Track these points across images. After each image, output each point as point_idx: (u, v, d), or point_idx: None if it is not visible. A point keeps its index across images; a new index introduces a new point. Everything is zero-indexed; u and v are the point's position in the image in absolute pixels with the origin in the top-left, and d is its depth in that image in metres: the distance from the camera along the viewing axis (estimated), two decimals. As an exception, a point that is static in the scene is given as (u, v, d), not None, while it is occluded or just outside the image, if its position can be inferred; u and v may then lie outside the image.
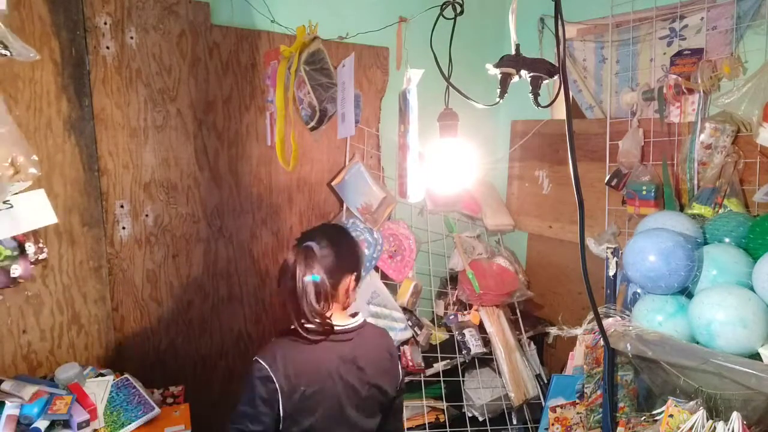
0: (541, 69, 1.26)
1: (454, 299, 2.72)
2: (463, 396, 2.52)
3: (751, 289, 1.54)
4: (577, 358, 2.01)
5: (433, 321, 2.67)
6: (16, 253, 1.59)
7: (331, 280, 1.32)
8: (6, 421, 1.44)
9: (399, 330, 2.34)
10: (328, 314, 1.33)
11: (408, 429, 2.35)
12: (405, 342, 2.39)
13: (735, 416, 1.40)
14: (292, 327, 1.31)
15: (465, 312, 2.65)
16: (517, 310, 2.71)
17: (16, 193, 1.58)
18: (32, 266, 1.67)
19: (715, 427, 1.42)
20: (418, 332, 2.42)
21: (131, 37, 1.88)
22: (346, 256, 1.37)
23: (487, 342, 2.53)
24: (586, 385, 1.88)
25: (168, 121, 1.99)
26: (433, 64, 1.46)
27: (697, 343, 1.57)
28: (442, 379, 2.42)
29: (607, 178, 2.32)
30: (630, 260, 1.75)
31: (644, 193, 2.13)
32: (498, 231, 2.94)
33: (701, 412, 1.46)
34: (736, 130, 1.91)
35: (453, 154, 1.57)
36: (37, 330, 1.80)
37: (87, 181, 1.84)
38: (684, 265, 1.63)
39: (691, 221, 1.81)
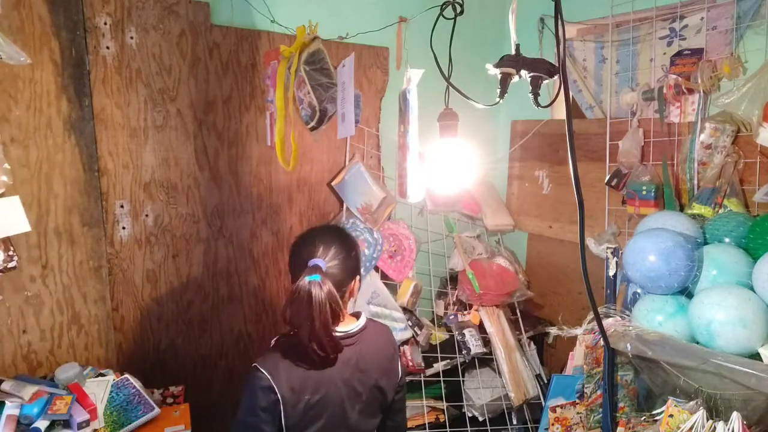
0: (541, 69, 1.26)
1: (454, 299, 2.72)
2: (463, 396, 2.52)
3: (751, 289, 1.54)
4: (577, 358, 2.01)
5: (433, 321, 2.67)
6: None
7: (339, 291, 1.25)
8: (6, 421, 1.44)
9: (399, 330, 2.34)
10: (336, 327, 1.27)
11: (408, 429, 2.35)
12: (405, 342, 2.39)
13: (735, 416, 1.40)
14: (293, 333, 1.29)
15: (465, 312, 2.65)
16: (517, 310, 2.71)
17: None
18: (0, 275, 1.64)
19: (715, 427, 1.42)
20: (418, 332, 2.42)
21: (131, 37, 1.88)
22: (351, 262, 1.31)
23: (487, 342, 2.53)
24: (586, 385, 1.88)
25: (168, 121, 1.99)
26: (433, 64, 1.46)
27: (697, 343, 1.57)
28: (442, 379, 2.42)
29: (607, 178, 2.32)
30: (630, 260, 1.75)
31: (644, 193, 2.13)
32: (498, 231, 2.94)
33: (701, 412, 1.46)
34: (736, 130, 1.91)
35: (453, 154, 1.57)
36: (37, 330, 1.80)
37: (87, 181, 1.84)
38: (684, 265, 1.63)
39: (691, 221, 1.81)
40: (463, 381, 2.50)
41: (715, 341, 1.50)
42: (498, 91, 1.30)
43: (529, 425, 2.55)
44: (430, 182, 1.66)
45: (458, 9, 1.46)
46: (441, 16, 1.48)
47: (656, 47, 2.21)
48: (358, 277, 1.36)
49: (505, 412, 2.53)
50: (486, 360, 2.56)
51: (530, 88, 1.28)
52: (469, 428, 2.44)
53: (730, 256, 1.63)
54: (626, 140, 2.23)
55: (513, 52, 1.28)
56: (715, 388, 1.49)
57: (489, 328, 2.55)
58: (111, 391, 1.69)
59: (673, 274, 1.64)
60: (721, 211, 1.87)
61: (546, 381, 2.60)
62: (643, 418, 1.69)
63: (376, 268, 2.44)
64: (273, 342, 1.33)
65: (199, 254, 2.12)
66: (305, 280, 1.18)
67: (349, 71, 1.65)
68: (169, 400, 1.84)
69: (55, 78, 1.74)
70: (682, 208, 2.06)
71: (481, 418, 2.46)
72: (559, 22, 1.12)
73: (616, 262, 1.96)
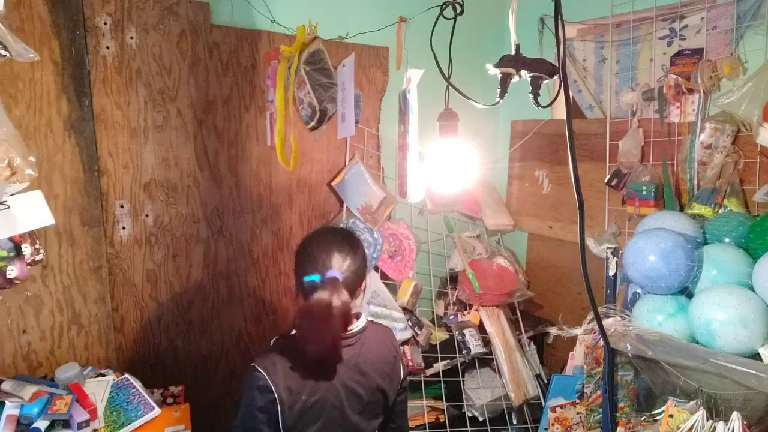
0: (541, 69, 1.26)
1: (454, 299, 2.72)
2: (463, 396, 2.52)
3: (752, 289, 1.54)
4: (577, 358, 2.01)
5: (433, 321, 2.67)
6: (12, 254, 1.59)
7: (351, 297, 1.24)
8: (6, 421, 1.44)
9: (399, 330, 2.34)
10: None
11: (408, 429, 2.35)
12: (405, 342, 2.39)
13: (735, 416, 1.40)
14: (293, 333, 1.28)
15: (465, 312, 2.65)
16: (517, 310, 2.71)
17: (13, 194, 1.57)
18: (29, 267, 1.66)
19: (715, 427, 1.42)
20: (418, 332, 2.42)
21: (131, 37, 1.88)
22: (362, 267, 1.31)
23: (487, 342, 2.53)
24: (586, 385, 1.88)
25: (168, 121, 1.99)
26: (433, 64, 1.46)
27: (697, 343, 1.57)
28: (442, 379, 2.42)
29: (607, 178, 2.32)
30: (630, 260, 1.75)
31: (644, 193, 2.13)
32: (498, 231, 2.94)
33: (701, 412, 1.46)
34: (736, 130, 1.91)
35: (453, 154, 1.57)
36: (37, 330, 1.80)
37: (87, 181, 1.84)
38: (684, 265, 1.63)
39: (691, 221, 1.81)
40: (463, 381, 2.50)
41: (715, 341, 1.50)
42: (498, 91, 1.30)
43: (529, 425, 2.55)
44: (430, 182, 1.66)
45: (458, 9, 1.46)
46: (441, 16, 1.48)
47: (656, 47, 2.21)
48: (365, 279, 1.36)
49: (505, 412, 2.53)
50: (486, 360, 2.56)
51: (530, 88, 1.28)
52: (469, 428, 2.44)
53: (730, 256, 1.63)
54: (626, 140, 2.23)
55: (513, 52, 1.28)
56: (715, 388, 1.49)
57: (489, 328, 2.55)
58: (111, 391, 1.69)
59: (673, 274, 1.64)
60: (721, 211, 1.87)
61: (546, 381, 2.60)
62: (643, 418, 1.69)
63: (376, 268, 2.44)
64: (272, 342, 1.32)
65: (199, 254, 2.12)
66: (324, 294, 1.16)
67: (349, 71, 1.65)
68: (169, 400, 1.84)
69: (55, 78, 1.74)
70: (682, 208, 2.06)
71: (481, 418, 2.46)
72: (559, 22, 1.12)
73: (616, 262, 1.96)
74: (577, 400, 1.98)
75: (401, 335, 2.35)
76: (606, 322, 1.73)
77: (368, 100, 2.50)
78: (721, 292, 1.54)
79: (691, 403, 1.52)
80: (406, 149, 1.57)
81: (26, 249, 1.62)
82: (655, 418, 1.62)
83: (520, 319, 2.69)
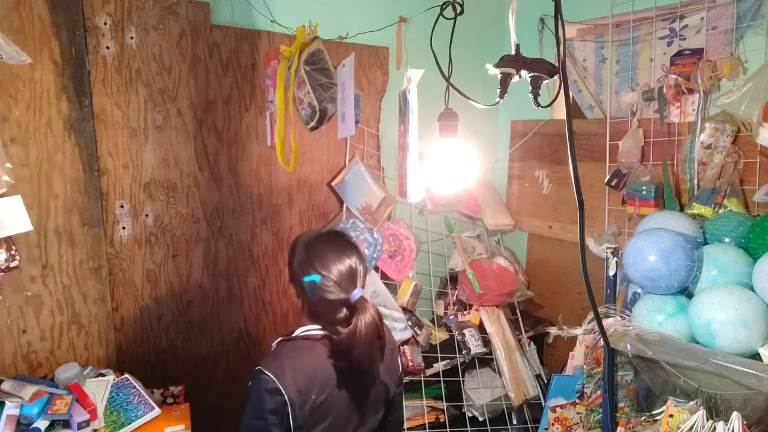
0: (541, 69, 1.26)
1: (454, 299, 2.72)
2: (463, 396, 2.52)
3: (752, 289, 1.54)
4: (577, 358, 2.01)
5: (433, 321, 2.67)
6: (-14, 260, 1.57)
7: None
8: (6, 421, 1.44)
9: (399, 330, 2.34)
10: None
11: (408, 429, 2.35)
12: (405, 342, 2.39)
13: (735, 416, 1.40)
14: (294, 334, 1.30)
15: (465, 312, 2.65)
16: (517, 310, 2.71)
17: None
18: (2, 274, 1.64)
19: (715, 427, 1.42)
20: (418, 332, 2.42)
21: (131, 37, 1.88)
22: (365, 266, 1.37)
23: (487, 342, 2.53)
24: (586, 385, 1.88)
25: (168, 121, 1.99)
26: (433, 64, 1.46)
27: (697, 343, 1.57)
28: (442, 379, 2.42)
29: (607, 178, 2.32)
30: (630, 260, 1.75)
31: (644, 193, 2.13)
32: (498, 231, 2.94)
33: (701, 412, 1.46)
34: (736, 130, 1.91)
35: (453, 154, 1.57)
36: (37, 330, 1.80)
37: (87, 181, 1.84)
38: (684, 265, 1.63)
39: (691, 221, 1.81)
40: (463, 381, 2.50)
41: (715, 341, 1.50)
42: (498, 91, 1.30)
43: (529, 425, 2.55)
44: (430, 182, 1.66)
45: (458, 9, 1.46)
46: (441, 16, 1.48)
47: (656, 47, 2.21)
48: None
49: (505, 412, 2.53)
50: (486, 360, 2.56)
51: (530, 88, 1.28)
52: (469, 428, 2.44)
53: (730, 256, 1.63)
54: (626, 140, 2.23)
55: (513, 52, 1.28)
56: (715, 388, 1.49)
57: (489, 328, 2.55)
58: (111, 391, 1.69)
59: (673, 274, 1.64)
60: (721, 211, 1.87)
61: (546, 381, 2.60)
62: (643, 418, 1.69)
63: (376, 268, 2.44)
64: (275, 344, 1.32)
65: (199, 254, 2.12)
66: (364, 320, 1.23)
67: (349, 71, 1.65)
68: (169, 400, 1.84)
69: (55, 78, 1.74)
70: (682, 208, 2.06)
71: (481, 418, 2.46)
72: (559, 22, 1.12)
73: (616, 262, 1.96)
74: (577, 400, 1.98)
75: (401, 335, 2.35)
76: (606, 322, 1.73)
77: (368, 100, 2.50)
78: (721, 292, 1.54)
79: (691, 403, 1.52)
80: (406, 149, 1.57)
81: (1, 255, 1.60)
82: (655, 418, 1.62)
83: (520, 319, 2.69)
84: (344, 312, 1.27)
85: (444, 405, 2.44)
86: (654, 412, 1.64)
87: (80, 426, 1.51)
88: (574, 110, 2.38)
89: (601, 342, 1.78)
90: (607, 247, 2.03)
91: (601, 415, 1.87)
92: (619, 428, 1.78)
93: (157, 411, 1.65)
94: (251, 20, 2.15)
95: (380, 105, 2.55)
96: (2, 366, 1.74)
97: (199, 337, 2.16)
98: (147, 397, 1.69)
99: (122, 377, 1.76)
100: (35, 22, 1.69)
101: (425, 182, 1.64)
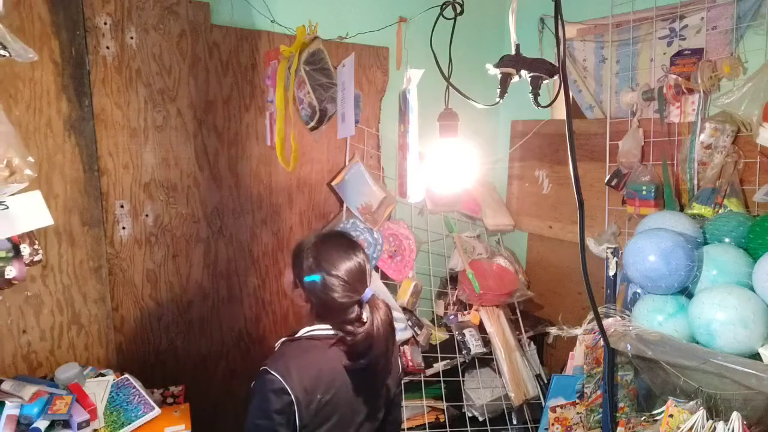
0: (541, 69, 1.26)
1: (454, 299, 2.72)
2: (463, 396, 2.52)
3: (752, 289, 1.54)
4: (577, 358, 2.01)
5: (433, 321, 2.67)
6: (11, 254, 1.58)
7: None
8: (6, 421, 1.44)
9: (399, 330, 2.34)
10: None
11: (408, 429, 2.35)
12: (405, 342, 2.39)
13: (735, 416, 1.40)
14: (298, 334, 1.30)
15: (465, 312, 2.65)
16: (517, 310, 2.71)
17: (12, 195, 1.57)
18: (27, 268, 1.66)
19: (715, 427, 1.42)
20: (418, 332, 2.42)
21: (131, 37, 1.88)
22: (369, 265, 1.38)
23: (487, 342, 2.53)
24: (586, 385, 1.88)
25: (168, 121, 1.99)
26: (433, 64, 1.46)
27: (697, 343, 1.57)
28: (442, 379, 2.42)
29: (607, 178, 2.32)
30: (630, 260, 1.75)
31: (644, 193, 2.13)
32: (498, 231, 2.94)
33: (701, 412, 1.46)
34: (736, 130, 1.91)
35: (453, 154, 1.57)
36: (37, 330, 1.80)
37: (87, 181, 1.84)
38: (684, 265, 1.63)
39: (691, 221, 1.81)
40: (463, 381, 2.50)
41: (715, 341, 1.50)
42: (498, 91, 1.30)
43: (529, 425, 2.55)
44: (430, 182, 1.66)
45: (458, 9, 1.46)
46: (441, 16, 1.48)
47: (656, 47, 2.21)
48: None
49: (505, 412, 2.53)
50: (486, 360, 2.56)
51: (530, 88, 1.28)
52: (469, 428, 2.44)
53: (730, 256, 1.63)
54: (626, 140, 2.23)
55: (513, 52, 1.28)
56: (715, 388, 1.49)
57: (489, 328, 2.55)
58: (111, 391, 1.69)
59: (673, 274, 1.64)
60: (721, 211, 1.87)
61: (546, 381, 2.60)
62: (643, 418, 1.69)
63: (376, 268, 2.44)
64: (278, 344, 1.32)
65: (199, 254, 2.12)
66: (380, 317, 1.26)
67: (349, 71, 1.65)
68: (169, 400, 1.84)
69: (55, 78, 1.74)
70: (682, 208, 2.06)
71: (481, 418, 2.46)
72: (559, 22, 1.12)
73: (616, 262, 1.96)
74: (577, 400, 1.98)
75: (401, 335, 2.35)
76: (606, 322, 1.73)
77: (368, 100, 2.50)
78: (721, 292, 1.54)
79: (691, 403, 1.52)
80: (406, 149, 1.57)
81: (25, 249, 1.62)
82: (655, 418, 1.62)
83: (520, 319, 2.69)
84: (356, 311, 1.28)
85: (444, 405, 2.44)
86: (654, 412, 1.64)
87: (80, 426, 1.51)
88: (574, 110, 2.38)
89: (601, 342, 1.78)
90: (607, 247, 2.03)
91: (601, 415, 1.87)
92: (619, 428, 1.78)
93: (157, 411, 1.65)
94: (251, 20, 2.15)
95: (380, 105, 2.55)
96: (2, 366, 1.74)
97: (199, 337, 2.16)
98: (147, 397, 1.69)
99: (122, 377, 1.76)
100: (35, 21, 1.69)
101: (425, 182, 1.64)
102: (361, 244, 1.39)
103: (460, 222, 2.85)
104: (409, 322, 2.40)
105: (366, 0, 2.43)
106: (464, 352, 2.46)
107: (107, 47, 1.84)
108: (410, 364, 2.32)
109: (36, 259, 1.66)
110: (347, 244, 1.35)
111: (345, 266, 1.29)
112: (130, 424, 1.59)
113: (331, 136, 2.30)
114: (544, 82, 1.28)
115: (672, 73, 2.08)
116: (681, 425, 1.47)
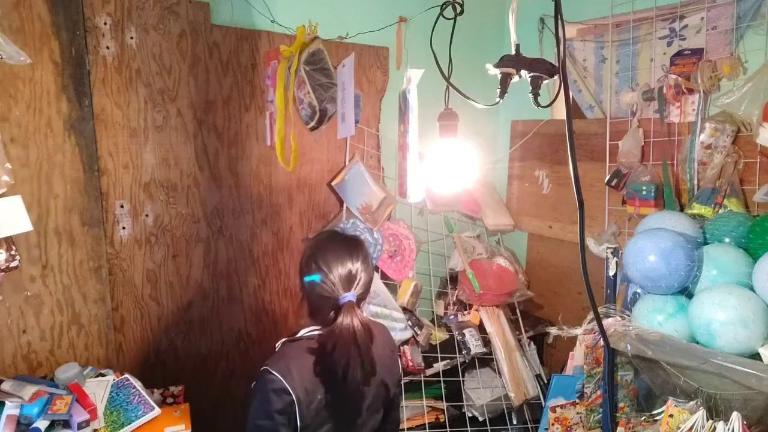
0: (541, 69, 1.26)
1: (454, 299, 2.72)
2: (463, 396, 2.52)
3: (752, 289, 1.54)
4: (577, 358, 2.01)
5: (433, 321, 2.67)
6: (-14, 260, 1.57)
7: (362, 303, 1.32)
8: (6, 421, 1.44)
9: (399, 330, 2.34)
10: None
11: (408, 429, 2.35)
12: (405, 342, 2.39)
13: (735, 416, 1.40)
14: (299, 335, 1.30)
15: (465, 312, 2.65)
16: (517, 310, 2.71)
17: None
18: (2, 274, 1.65)
19: (715, 427, 1.42)
20: (418, 332, 2.42)
21: (131, 37, 1.88)
22: (372, 274, 1.36)
23: (487, 342, 2.53)
24: (586, 385, 1.88)
25: (168, 121, 1.99)
26: (433, 64, 1.46)
27: (697, 343, 1.57)
28: (442, 379, 2.42)
29: (607, 178, 2.32)
30: (630, 260, 1.75)
31: (644, 193, 2.13)
32: (498, 231, 2.94)
33: (701, 412, 1.46)
34: (736, 130, 1.91)
35: (453, 154, 1.57)
36: (37, 330, 1.80)
37: (87, 181, 1.84)
38: (684, 265, 1.63)
39: (691, 221, 1.81)
40: (463, 381, 2.50)
41: (715, 341, 1.50)
42: (498, 91, 1.30)
43: (529, 425, 2.55)
44: (430, 182, 1.66)
45: (458, 9, 1.45)
46: (441, 16, 1.48)
47: (656, 47, 2.21)
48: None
49: (505, 412, 2.53)
50: (486, 360, 2.56)
51: (530, 88, 1.28)
52: (469, 428, 2.44)
53: (730, 256, 1.63)
54: (626, 140, 2.23)
55: (513, 52, 1.28)
56: (715, 388, 1.49)
57: (489, 328, 2.55)
58: (111, 391, 1.69)
59: (673, 274, 1.64)
60: (721, 211, 1.87)
61: (546, 381, 2.60)
62: (643, 418, 1.69)
63: (376, 268, 2.44)
64: (279, 345, 1.32)
65: (199, 254, 2.12)
66: (348, 320, 1.21)
67: (349, 71, 1.65)
68: (169, 400, 1.84)
69: (55, 78, 1.74)
70: (682, 208, 2.06)
71: (481, 418, 2.46)
72: (559, 22, 1.12)
73: (616, 262, 1.96)
74: (577, 400, 1.98)
75: (401, 335, 2.35)
76: (606, 322, 1.73)
77: (368, 100, 2.50)
78: (721, 292, 1.54)
79: (691, 403, 1.52)
80: (406, 149, 1.57)
81: (1, 255, 1.60)
82: (655, 418, 1.62)
83: (520, 319, 2.69)
84: (332, 313, 1.27)
85: (444, 405, 2.44)
86: (654, 412, 1.64)
87: (80, 426, 1.51)
88: (574, 110, 2.38)
89: (601, 342, 1.78)
90: (607, 247, 2.03)
91: (601, 415, 1.87)
92: (619, 428, 1.78)
93: (157, 411, 1.65)
94: (251, 20, 2.15)
95: (380, 105, 2.55)
96: (2, 366, 1.74)
97: (199, 337, 2.16)
98: (147, 397, 1.69)
99: (122, 377, 1.76)
100: (35, 22, 1.69)
101: (425, 182, 1.64)
102: (366, 248, 1.37)
103: (460, 222, 2.85)
104: (409, 322, 2.40)
105: (366, 0, 2.43)
106: (464, 352, 2.46)
107: (107, 47, 1.84)
108: (410, 364, 2.32)
109: (12, 264, 1.63)
110: (348, 248, 1.33)
111: (336, 268, 1.27)
112: (130, 424, 1.59)
113: (331, 136, 2.30)
114: (544, 82, 1.28)
115: (672, 73, 2.08)
116: (681, 425, 1.47)
